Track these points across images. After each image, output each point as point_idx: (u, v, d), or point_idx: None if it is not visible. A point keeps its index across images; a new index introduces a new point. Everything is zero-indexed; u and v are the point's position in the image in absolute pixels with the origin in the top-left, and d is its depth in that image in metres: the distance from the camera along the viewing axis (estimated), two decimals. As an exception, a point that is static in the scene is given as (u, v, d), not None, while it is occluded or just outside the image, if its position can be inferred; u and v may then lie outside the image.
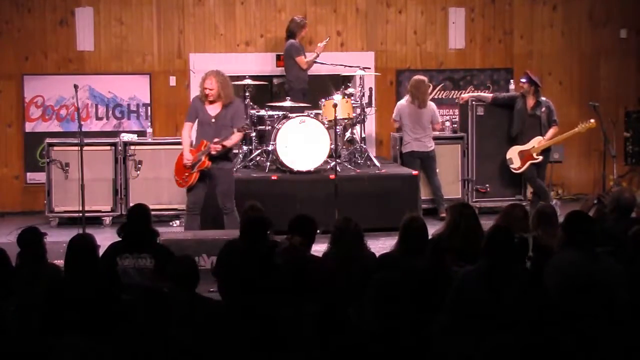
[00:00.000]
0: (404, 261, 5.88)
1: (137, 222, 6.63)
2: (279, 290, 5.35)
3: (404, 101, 10.95)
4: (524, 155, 10.74)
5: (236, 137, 8.98)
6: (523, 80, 10.75)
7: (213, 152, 8.77)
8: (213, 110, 8.92)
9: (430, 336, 5.04)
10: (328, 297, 5.40)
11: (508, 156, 10.89)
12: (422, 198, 10.77)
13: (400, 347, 4.71)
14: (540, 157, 10.68)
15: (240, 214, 6.96)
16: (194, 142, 9.05)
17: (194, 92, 11.86)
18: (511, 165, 10.89)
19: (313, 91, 11.42)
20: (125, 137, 11.01)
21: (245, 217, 6.83)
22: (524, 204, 10.04)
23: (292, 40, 11.13)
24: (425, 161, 10.83)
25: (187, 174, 8.89)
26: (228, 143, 8.88)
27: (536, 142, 10.65)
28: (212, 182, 9.00)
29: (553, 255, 5.79)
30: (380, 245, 9.23)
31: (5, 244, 8.31)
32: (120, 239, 6.69)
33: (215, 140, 8.74)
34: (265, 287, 5.41)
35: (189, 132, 9.03)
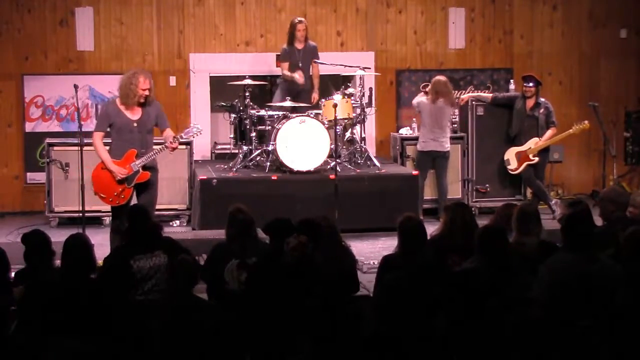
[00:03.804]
0: (406, 261, 5.90)
1: (142, 222, 6.57)
2: (287, 287, 5.39)
3: (424, 99, 10.83)
4: (521, 157, 10.74)
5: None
6: (530, 84, 10.65)
7: (171, 151, 8.33)
8: (133, 114, 8.18)
9: (434, 335, 5.05)
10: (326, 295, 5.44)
11: (505, 157, 10.90)
12: (426, 198, 10.79)
13: (404, 346, 4.72)
14: (537, 158, 10.67)
15: (227, 218, 6.85)
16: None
17: (194, 92, 11.91)
18: (508, 167, 10.90)
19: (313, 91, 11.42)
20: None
21: (273, 219, 6.52)
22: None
23: (283, 46, 11.03)
24: (438, 160, 10.78)
25: (121, 189, 8.16)
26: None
27: (533, 143, 10.65)
28: (140, 192, 8.28)
29: (530, 253, 5.85)
30: (380, 245, 9.24)
31: (5, 243, 8.34)
32: (125, 242, 6.66)
33: (174, 136, 8.20)
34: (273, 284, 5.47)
35: (102, 142, 8.25)
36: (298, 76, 10.86)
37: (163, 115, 8.40)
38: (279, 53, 11.33)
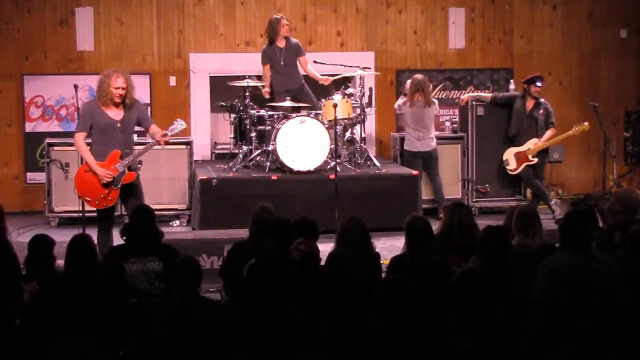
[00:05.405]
0: (414, 261, 5.90)
1: (143, 224, 6.45)
2: (293, 291, 5.40)
3: (402, 101, 10.94)
4: (520, 157, 10.74)
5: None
6: (540, 84, 10.61)
7: (164, 146, 8.16)
8: (115, 114, 7.96)
9: (438, 335, 5.05)
10: (336, 298, 5.44)
11: (504, 157, 10.89)
12: (423, 198, 10.78)
13: (407, 347, 4.72)
14: (536, 159, 10.66)
15: (252, 216, 6.84)
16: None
17: (194, 92, 11.91)
18: (507, 167, 10.89)
19: (313, 91, 11.40)
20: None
21: (274, 219, 6.50)
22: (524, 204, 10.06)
23: (264, 47, 10.71)
24: (428, 161, 10.81)
25: (107, 192, 7.93)
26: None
27: (532, 144, 10.65)
28: (126, 193, 8.07)
29: (533, 255, 5.86)
30: (381, 245, 9.22)
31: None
32: (123, 242, 6.63)
33: (164, 132, 8.01)
34: (279, 288, 5.47)
35: (85, 143, 8.00)
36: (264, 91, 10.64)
37: (145, 113, 8.23)
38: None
